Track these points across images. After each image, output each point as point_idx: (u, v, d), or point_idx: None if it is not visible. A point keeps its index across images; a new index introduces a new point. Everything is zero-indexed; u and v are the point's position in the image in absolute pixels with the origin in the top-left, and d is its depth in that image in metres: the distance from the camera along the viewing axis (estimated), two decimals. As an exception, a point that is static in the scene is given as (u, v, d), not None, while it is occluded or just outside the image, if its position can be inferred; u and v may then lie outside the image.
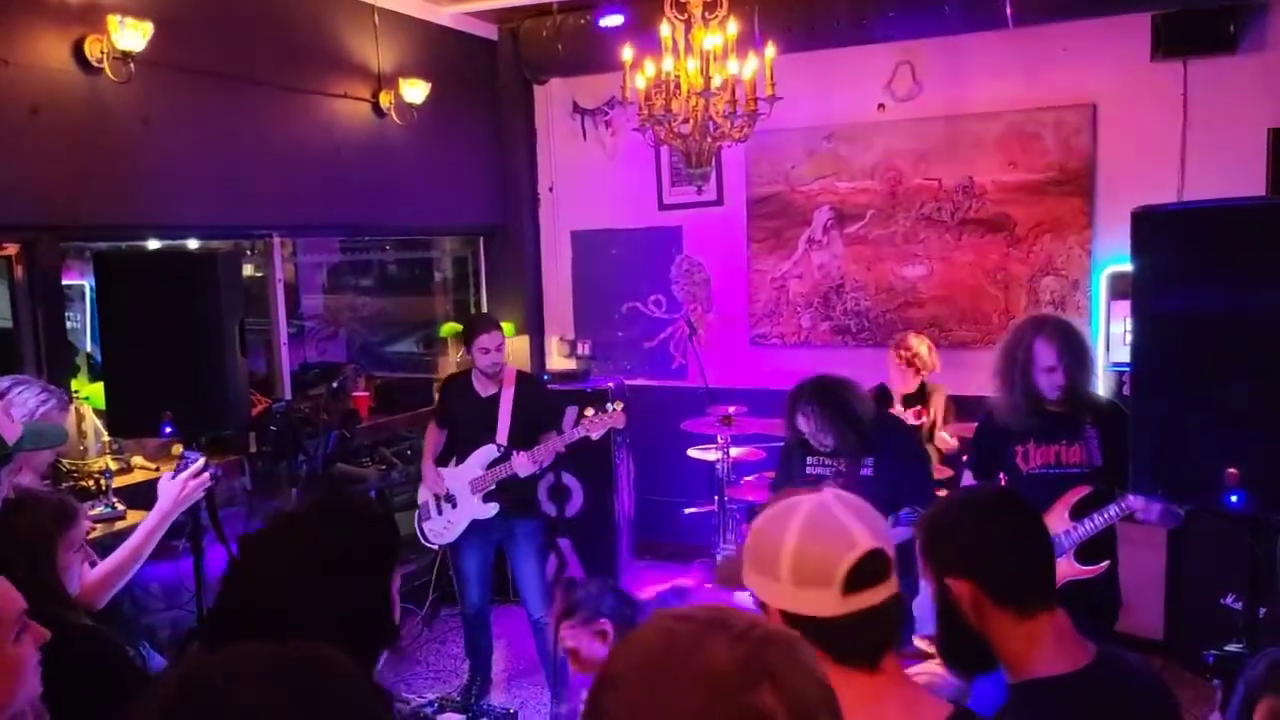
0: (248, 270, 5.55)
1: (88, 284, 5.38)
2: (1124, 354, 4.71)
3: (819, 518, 1.32)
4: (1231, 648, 2.53)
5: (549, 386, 5.57)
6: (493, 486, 4.34)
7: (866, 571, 1.29)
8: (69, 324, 4.91)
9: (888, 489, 3.39)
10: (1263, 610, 2.99)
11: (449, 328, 6.28)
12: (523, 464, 4.27)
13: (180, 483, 2.86)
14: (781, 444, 3.92)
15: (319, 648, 0.93)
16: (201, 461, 2.99)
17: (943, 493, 4.63)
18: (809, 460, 3.67)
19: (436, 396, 4.92)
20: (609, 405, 4.34)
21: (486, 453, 4.36)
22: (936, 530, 1.71)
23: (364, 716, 0.90)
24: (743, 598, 1.47)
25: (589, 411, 4.34)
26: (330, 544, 1.49)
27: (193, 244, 4.69)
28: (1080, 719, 1.57)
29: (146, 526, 2.73)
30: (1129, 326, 2.68)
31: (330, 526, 1.51)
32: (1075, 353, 3.33)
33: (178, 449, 3.06)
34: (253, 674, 0.87)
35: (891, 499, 3.31)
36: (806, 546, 1.30)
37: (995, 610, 1.61)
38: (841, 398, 3.52)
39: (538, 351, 6.54)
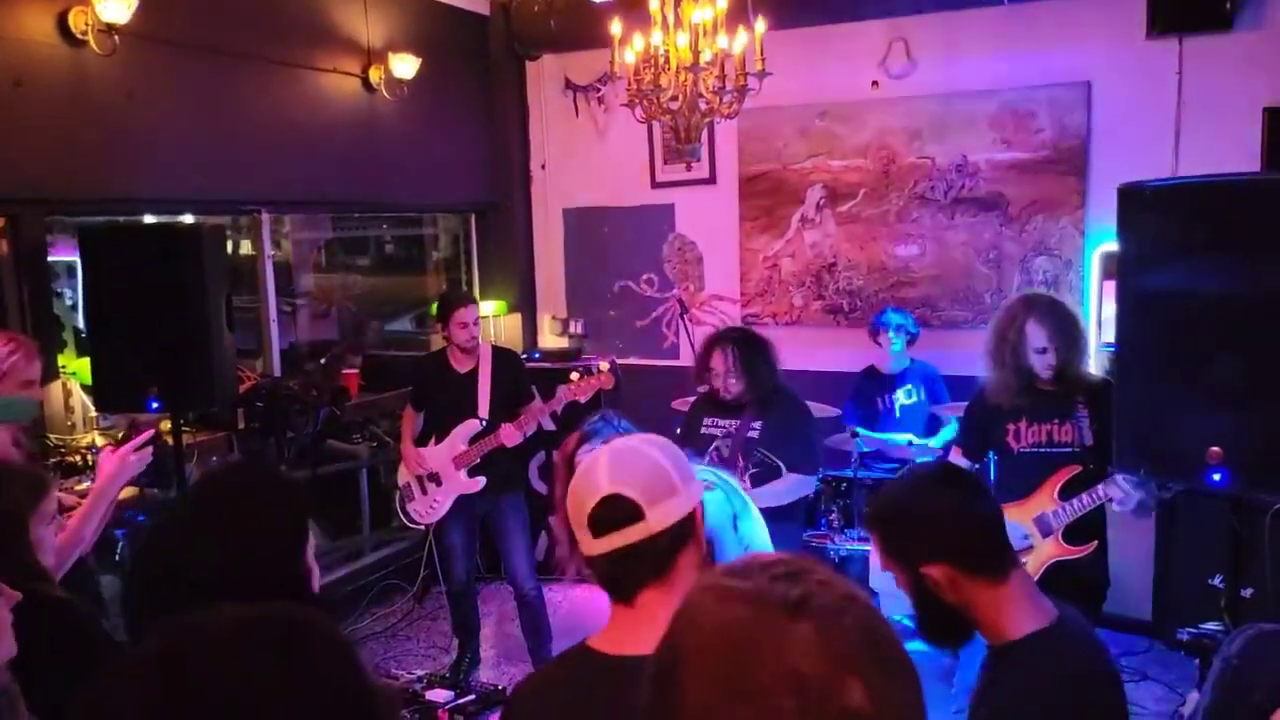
0: (245, 248, 5.54)
1: (74, 259, 5.36)
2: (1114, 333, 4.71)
3: (585, 469, 1.47)
4: (1207, 626, 2.53)
5: (541, 364, 5.56)
6: (477, 461, 4.33)
7: (607, 517, 1.40)
8: (61, 300, 4.90)
9: (771, 451, 3.64)
10: (1248, 590, 3.00)
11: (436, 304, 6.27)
12: (509, 433, 4.26)
13: (118, 456, 2.75)
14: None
15: (295, 608, 0.92)
16: (147, 434, 2.91)
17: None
18: (705, 421, 3.89)
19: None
20: (595, 366, 4.35)
21: (469, 427, 4.35)
22: (898, 526, 1.73)
23: (348, 672, 0.89)
24: None
25: (574, 376, 4.35)
26: (247, 520, 1.49)
27: (182, 218, 4.66)
28: (1066, 669, 1.62)
29: (86, 507, 2.64)
30: (1116, 302, 2.67)
31: (246, 500, 1.51)
32: (1067, 333, 3.32)
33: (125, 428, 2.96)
34: (236, 638, 0.86)
35: (775, 461, 3.60)
36: (574, 495, 1.46)
37: (971, 583, 1.65)
38: (760, 348, 3.80)
39: (530, 330, 6.53)
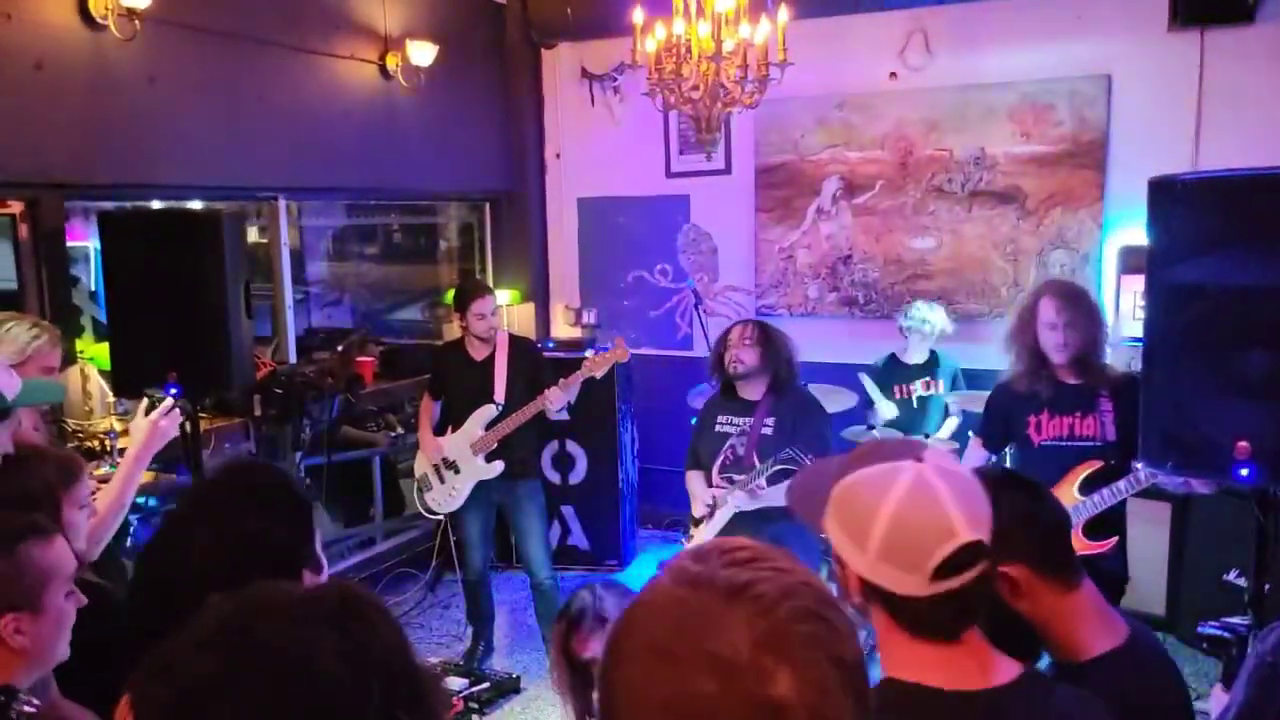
0: (254, 235, 5.54)
1: (93, 246, 5.37)
2: (1134, 328, 4.69)
3: (920, 495, 1.23)
4: (1230, 620, 2.52)
5: (555, 354, 5.56)
6: (494, 445, 4.34)
7: (960, 562, 1.22)
8: (78, 286, 4.91)
9: (785, 446, 3.59)
10: (1266, 585, 2.99)
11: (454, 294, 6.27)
12: (556, 395, 4.26)
13: (150, 422, 2.79)
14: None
15: (349, 583, 0.93)
16: (170, 400, 2.93)
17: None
18: (719, 418, 3.88)
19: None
20: (609, 342, 4.38)
21: (485, 413, 4.35)
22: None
23: (400, 647, 0.91)
24: None
25: (589, 352, 4.37)
26: (252, 527, 1.49)
27: (198, 204, 4.66)
28: (1134, 700, 1.53)
29: (124, 471, 2.69)
30: (1140, 300, 2.66)
31: (251, 507, 1.51)
32: (1076, 309, 3.29)
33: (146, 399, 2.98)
34: (298, 610, 0.88)
35: (803, 462, 3.52)
36: (902, 525, 1.22)
37: (1046, 588, 1.56)
38: (779, 336, 3.83)
39: (543, 319, 6.53)
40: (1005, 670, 1.32)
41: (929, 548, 1.21)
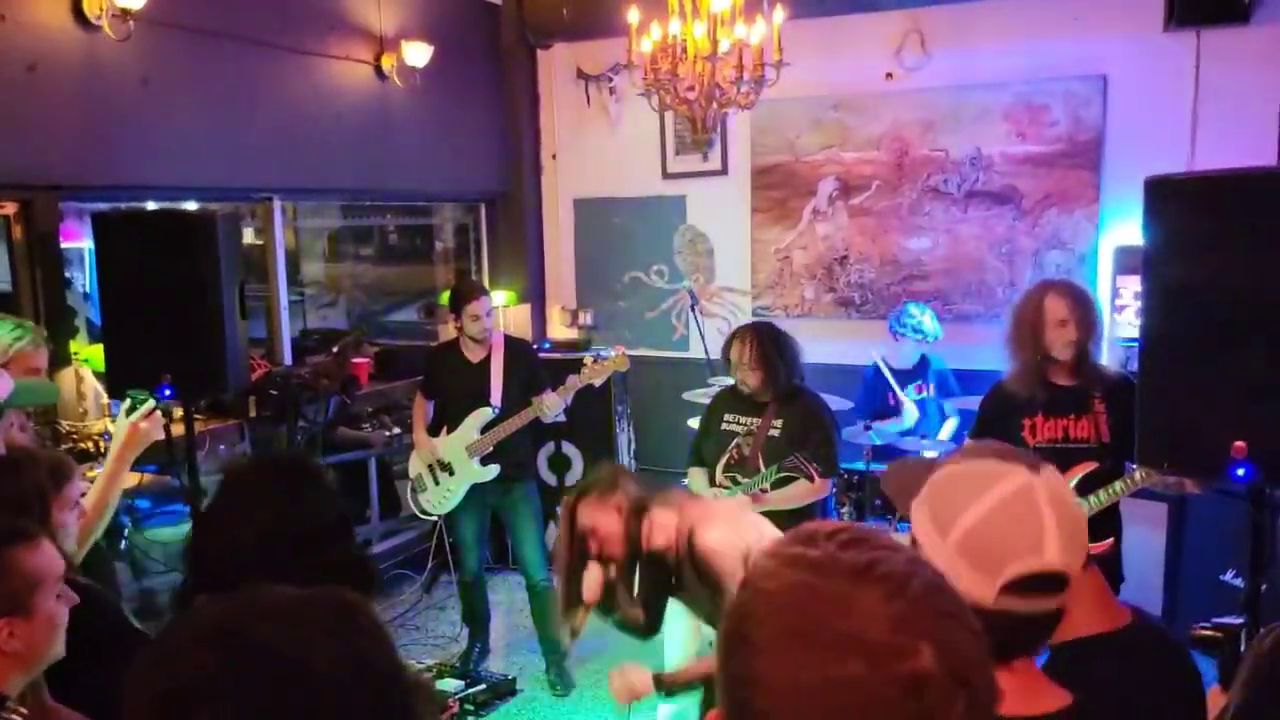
0: (249, 237, 5.53)
1: (88, 247, 5.36)
2: (1130, 330, 4.69)
3: (1024, 504, 1.20)
4: (1221, 620, 2.51)
5: (550, 355, 5.55)
6: (490, 449, 4.33)
7: (1036, 585, 1.18)
8: (73, 287, 4.89)
9: (791, 449, 3.57)
10: (1263, 585, 2.98)
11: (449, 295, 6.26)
12: (552, 400, 4.26)
13: (130, 423, 2.73)
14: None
15: (344, 590, 0.94)
16: (151, 403, 2.88)
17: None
18: (725, 416, 3.87)
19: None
20: (609, 350, 4.36)
21: (481, 415, 4.34)
22: None
23: (389, 655, 0.91)
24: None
25: (588, 360, 4.35)
26: (302, 511, 1.48)
27: (193, 205, 4.65)
28: (1124, 677, 1.54)
29: (106, 471, 2.64)
30: (1136, 301, 2.66)
31: (299, 493, 1.50)
32: (1085, 308, 3.31)
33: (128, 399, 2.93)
34: (292, 613, 0.88)
35: (809, 471, 3.52)
36: (992, 524, 1.19)
37: None
38: (780, 342, 3.75)
39: (539, 320, 6.52)
40: (1052, 698, 1.30)
41: (1011, 556, 1.17)
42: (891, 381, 4.83)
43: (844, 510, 4.75)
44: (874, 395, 4.98)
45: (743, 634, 0.79)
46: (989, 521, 1.19)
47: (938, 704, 0.74)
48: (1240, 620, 2.48)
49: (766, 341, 3.74)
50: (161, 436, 2.84)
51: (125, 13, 3.81)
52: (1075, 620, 1.56)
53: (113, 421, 3.97)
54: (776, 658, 0.76)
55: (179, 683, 0.81)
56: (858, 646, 0.74)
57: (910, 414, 4.77)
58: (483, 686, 4.32)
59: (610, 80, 6.16)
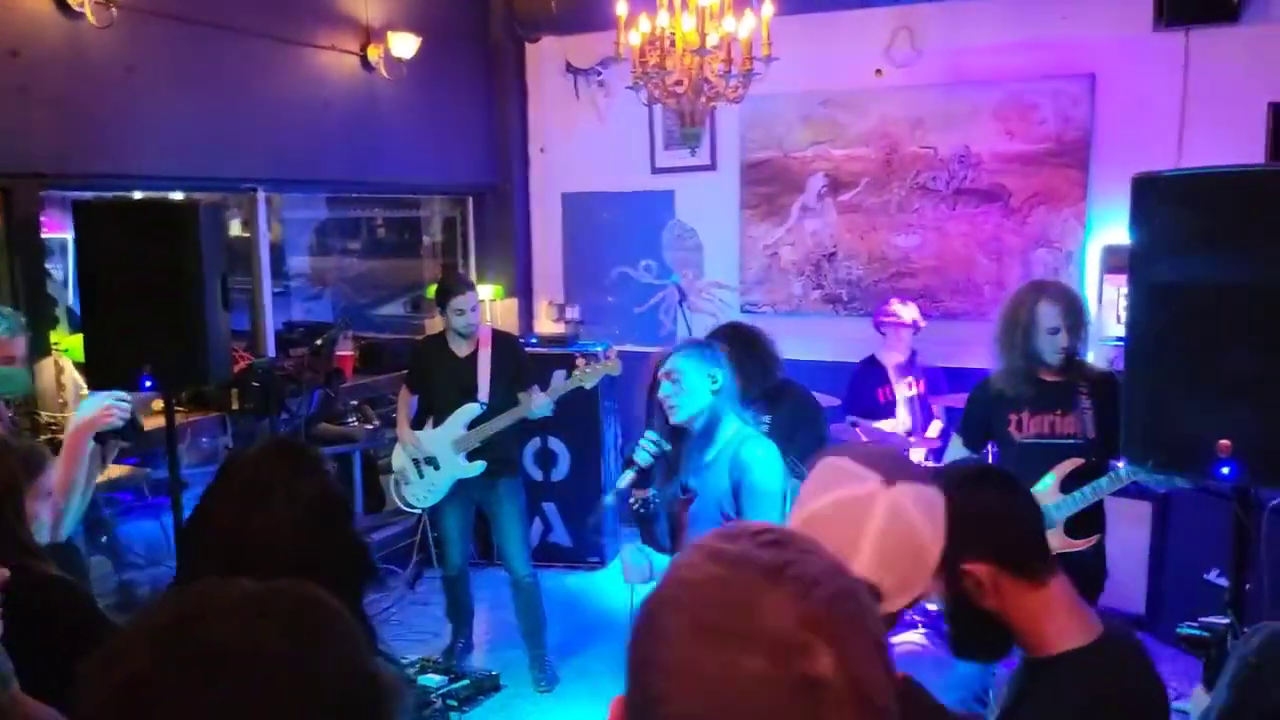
0: (234, 229, 5.49)
1: (67, 237, 5.31)
2: (1117, 328, 4.70)
3: (855, 508, 1.26)
4: (1209, 620, 2.51)
5: (537, 350, 5.53)
6: (477, 445, 4.30)
7: None
8: (53, 277, 4.84)
9: (780, 446, 3.46)
10: (1246, 585, 2.99)
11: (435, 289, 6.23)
12: (539, 399, 4.24)
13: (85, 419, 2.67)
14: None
15: (306, 585, 0.92)
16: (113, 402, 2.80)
17: (928, 462, 4.64)
18: None
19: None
20: (602, 355, 4.34)
21: (468, 411, 4.32)
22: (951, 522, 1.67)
23: (354, 652, 0.89)
24: None
25: (580, 361, 4.33)
26: (311, 493, 1.46)
27: (176, 196, 4.61)
28: (1103, 692, 1.54)
29: (64, 451, 2.59)
30: (1123, 300, 2.65)
31: (303, 475, 1.47)
32: (1076, 315, 3.31)
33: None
34: (246, 608, 0.86)
35: (801, 470, 3.39)
36: (820, 520, 1.27)
37: (1013, 585, 1.56)
38: (756, 345, 3.70)
39: (526, 314, 6.49)
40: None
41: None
42: (891, 375, 4.83)
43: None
44: (863, 391, 4.98)
45: (655, 619, 0.81)
46: (820, 516, 1.27)
47: (829, 711, 0.74)
48: (1226, 621, 2.48)
49: (736, 346, 3.59)
50: (118, 423, 2.75)
51: (109, 0, 3.77)
52: (1050, 635, 1.56)
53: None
54: (681, 647, 0.77)
55: (125, 682, 0.79)
56: (759, 642, 0.75)
57: (903, 420, 4.78)
58: (466, 682, 4.30)
59: (599, 74, 6.14)
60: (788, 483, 2.80)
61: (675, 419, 2.81)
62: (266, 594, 0.88)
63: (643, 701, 0.78)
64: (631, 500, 2.94)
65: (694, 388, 2.79)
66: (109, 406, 2.66)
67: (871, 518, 1.24)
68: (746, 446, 2.77)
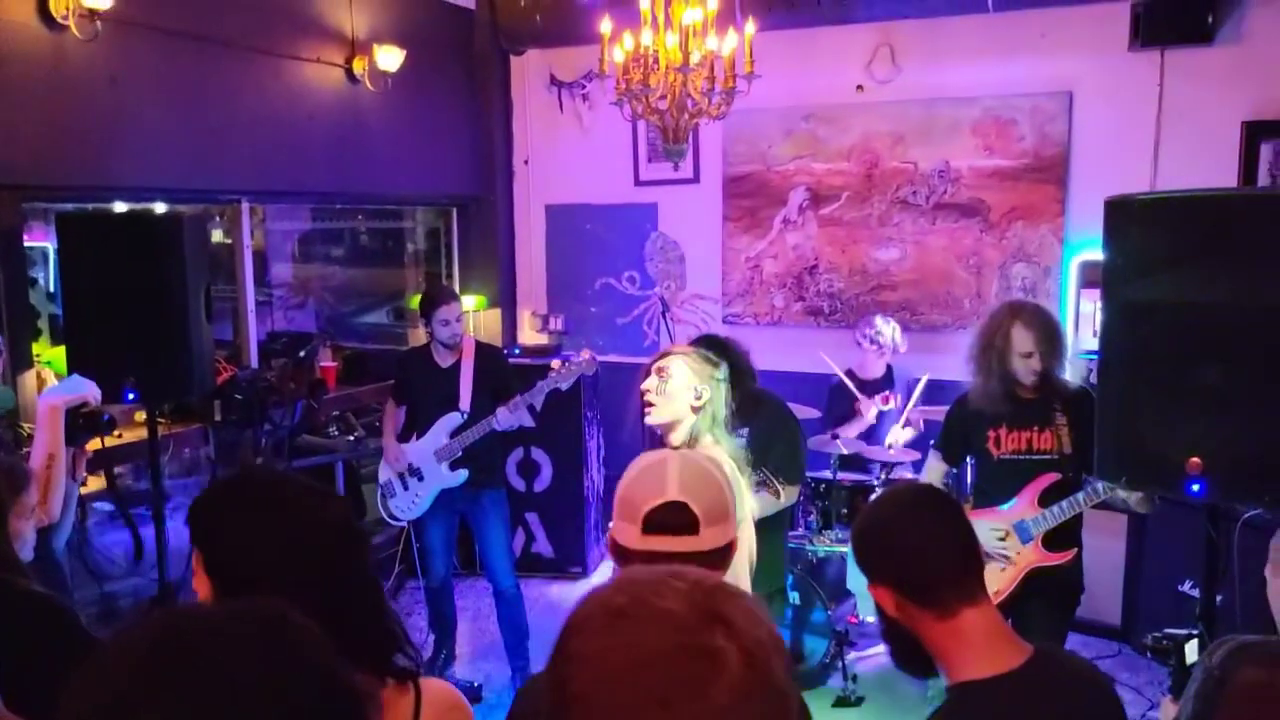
0: (216, 236, 5.48)
1: (50, 246, 5.28)
2: (1093, 342, 4.75)
3: (653, 467, 1.57)
4: (1171, 630, 2.56)
5: (520, 360, 5.55)
6: (459, 454, 4.32)
7: (664, 519, 1.50)
8: (36, 287, 4.82)
9: (756, 458, 3.49)
10: (1218, 597, 3.04)
11: (418, 300, 6.24)
12: (503, 416, 4.25)
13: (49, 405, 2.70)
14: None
15: (282, 604, 0.93)
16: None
17: (910, 475, 4.69)
18: None
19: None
20: (576, 353, 4.35)
21: (450, 420, 4.34)
22: (858, 539, 1.69)
23: (331, 670, 0.90)
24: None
25: (555, 364, 4.34)
26: (328, 519, 1.46)
27: (159, 207, 4.60)
28: (1010, 717, 1.53)
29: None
30: (1099, 315, 2.70)
31: (317, 500, 1.48)
32: (1051, 339, 3.36)
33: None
34: (225, 626, 0.87)
35: (760, 467, 3.47)
36: (632, 487, 1.56)
37: (918, 611, 1.58)
38: (729, 357, 3.57)
39: (510, 325, 6.51)
40: None
41: (643, 499, 1.53)
42: (853, 389, 4.88)
43: (810, 518, 4.79)
44: (840, 403, 5.03)
45: (573, 623, 0.92)
46: (630, 482, 1.59)
47: (723, 679, 0.82)
48: (1186, 631, 2.53)
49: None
50: (89, 399, 2.76)
51: (93, 12, 3.77)
52: (955, 664, 1.57)
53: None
54: (598, 635, 0.87)
55: (105, 705, 0.81)
56: (665, 621, 0.85)
57: (870, 414, 4.82)
58: (448, 693, 4.30)
59: (583, 87, 6.17)
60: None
61: (649, 419, 2.75)
62: (241, 614, 0.90)
63: (553, 693, 0.87)
64: None
65: (676, 394, 2.72)
66: (80, 380, 2.69)
67: (669, 464, 1.58)
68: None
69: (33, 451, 2.62)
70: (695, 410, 2.72)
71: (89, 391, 2.75)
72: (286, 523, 1.41)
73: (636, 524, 1.51)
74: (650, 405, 2.74)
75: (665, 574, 0.91)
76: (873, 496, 4.68)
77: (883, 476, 4.79)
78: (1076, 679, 1.66)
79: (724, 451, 2.66)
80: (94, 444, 2.96)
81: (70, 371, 3.47)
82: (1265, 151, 4.64)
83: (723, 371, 2.88)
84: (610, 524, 1.61)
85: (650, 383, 2.75)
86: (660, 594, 0.87)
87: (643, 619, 0.86)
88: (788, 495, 3.65)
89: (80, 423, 2.77)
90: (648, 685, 0.82)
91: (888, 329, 4.97)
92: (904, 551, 1.61)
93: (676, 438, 2.74)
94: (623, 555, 1.55)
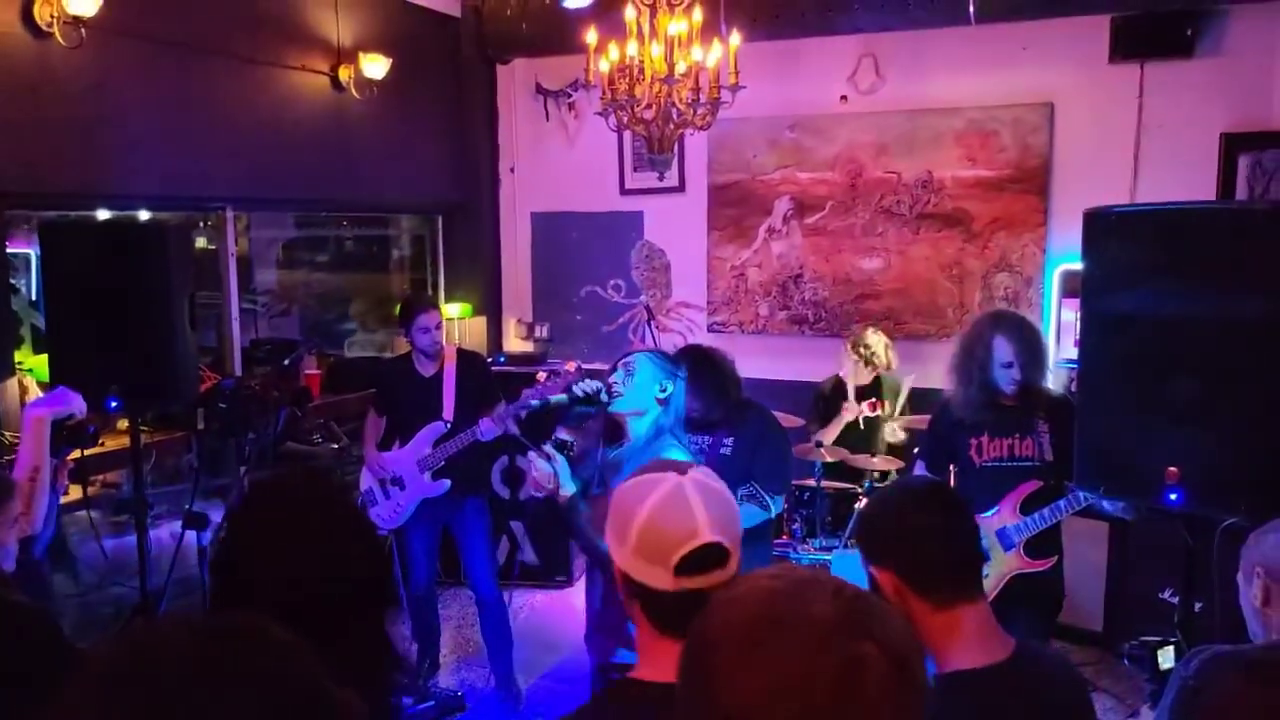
0: (200, 243, 5.46)
1: (33, 253, 5.26)
2: (1075, 352, 4.80)
3: (673, 500, 1.44)
4: (1147, 638, 2.59)
5: (505, 368, 5.55)
6: (441, 463, 4.31)
7: (700, 560, 1.41)
8: (19, 294, 4.80)
9: (743, 467, 3.56)
10: (1198, 604, 3.07)
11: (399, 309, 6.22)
12: (487, 426, 4.24)
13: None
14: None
15: (257, 618, 0.92)
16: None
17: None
18: None
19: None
20: (562, 367, 4.34)
21: (433, 430, 4.33)
22: (866, 521, 1.76)
23: (314, 684, 0.90)
24: None
25: (540, 376, 4.33)
26: (341, 513, 1.48)
27: (144, 215, 4.59)
28: (992, 713, 1.59)
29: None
30: (1080, 324, 2.73)
31: (334, 496, 1.50)
32: (1031, 349, 3.39)
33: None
34: (195, 649, 0.85)
35: (746, 477, 3.52)
36: (656, 524, 1.43)
37: (915, 600, 1.64)
38: (714, 367, 3.70)
39: (495, 333, 6.51)
40: None
41: (673, 544, 1.41)
42: (850, 392, 4.90)
43: (795, 526, 4.80)
44: (826, 411, 5.05)
45: (708, 639, 0.90)
46: (652, 521, 1.43)
47: (872, 686, 0.84)
48: (1160, 638, 2.56)
49: (697, 371, 3.54)
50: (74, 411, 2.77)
51: (77, 20, 3.77)
52: (943, 654, 1.63)
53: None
54: (740, 645, 0.87)
55: None
56: (811, 628, 0.85)
57: (850, 414, 4.84)
58: (431, 703, 4.29)
59: (569, 96, 6.19)
60: None
61: (613, 407, 2.83)
62: (218, 632, 0.88)
63: (696, 695, 0.87)
64: (563, 440, 2.95)
65: (641, 385, 2.82)
66: (65, 390, 2.70)
67: (691, 497, 1.45)
68: (670, 451, 2.76)
69: (17, 462, 2.62)
70: (660, 402, 2.81)
71: (75, 404, 2.75)
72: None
73: (667, 567, 1.41)
74: (616, 394, 2.83)
75: (801, 579, 0.92)
76: (858, 505, 4.71)
77: (866, 485, 4.81)
78: (1056, 674, 1.74)
79: (681, 455, 2.72)
80: (74, 455, 2.95)
81: (53, 379, 3.46)
82: (1243, 164, 4.70)
83: (683, 373, 2.97)
84: (620, 553, 1.46)
85: (616, 375, 2.85)
86: (804, 600, 0.88)
87: (789, 627, 0.86)
88: (774, 505, 3.66)
89: (64, 435, 2.77)
90: (810, 697, 0.83)
91: (881, 347, 4.96)
92: (914, 537, 1.66)
93: (638, 428, 2.82)
94: (648, 595, 1.43)
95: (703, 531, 1.41)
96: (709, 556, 1.40)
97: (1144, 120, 4.95)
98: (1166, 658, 2.44)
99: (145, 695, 0.81)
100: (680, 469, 1.51)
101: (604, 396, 2.82)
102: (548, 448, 2.82)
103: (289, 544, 1.44)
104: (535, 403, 4.29)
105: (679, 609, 1.37)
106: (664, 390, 2.83)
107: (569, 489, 2.73)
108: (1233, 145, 4.70)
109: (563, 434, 2.94)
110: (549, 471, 2.76)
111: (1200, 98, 4.81)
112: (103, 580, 4.57)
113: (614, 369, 2.90)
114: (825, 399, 5.07)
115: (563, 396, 2.99)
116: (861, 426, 4.94)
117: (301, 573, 1.40)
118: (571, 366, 4.33)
